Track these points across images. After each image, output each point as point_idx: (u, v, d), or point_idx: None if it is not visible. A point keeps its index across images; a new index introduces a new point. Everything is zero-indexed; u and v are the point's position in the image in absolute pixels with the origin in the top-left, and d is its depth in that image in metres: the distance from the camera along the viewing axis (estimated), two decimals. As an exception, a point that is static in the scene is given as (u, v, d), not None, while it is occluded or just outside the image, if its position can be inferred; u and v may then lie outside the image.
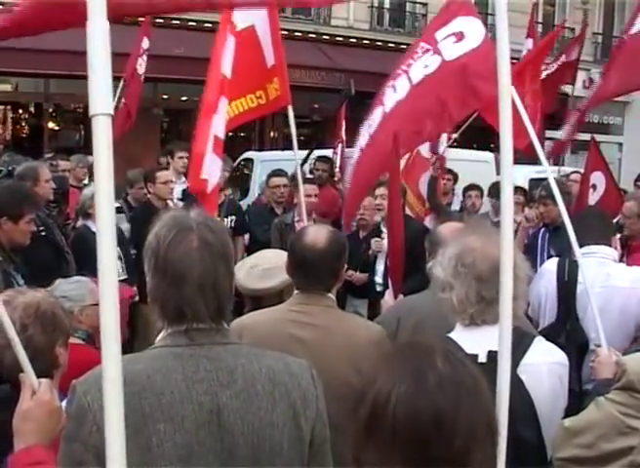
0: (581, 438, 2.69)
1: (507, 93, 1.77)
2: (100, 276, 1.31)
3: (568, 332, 3.98)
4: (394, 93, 4.47)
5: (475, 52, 4.16)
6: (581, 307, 3.98)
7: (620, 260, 5.63)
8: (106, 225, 1.30)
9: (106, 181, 1.28)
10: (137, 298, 5.99)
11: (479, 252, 2.43)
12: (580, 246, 3.71)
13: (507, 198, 1.82)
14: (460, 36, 4.26)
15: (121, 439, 1.29)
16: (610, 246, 4.17)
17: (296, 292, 3.02)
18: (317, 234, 2.97)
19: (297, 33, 17.51)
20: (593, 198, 6.75)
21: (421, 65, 4.34)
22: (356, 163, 4.83)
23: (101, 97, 1.22)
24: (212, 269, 1.85)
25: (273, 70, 5.08)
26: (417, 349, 1.46)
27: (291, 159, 5.99)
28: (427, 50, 4.39)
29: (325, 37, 18.66)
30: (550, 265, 4.29)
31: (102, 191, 1.29)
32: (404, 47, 8.27)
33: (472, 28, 4.28)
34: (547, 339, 2.63)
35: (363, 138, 4.72)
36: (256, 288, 3.32)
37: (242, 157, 12.54)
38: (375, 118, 4.60)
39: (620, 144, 22.38)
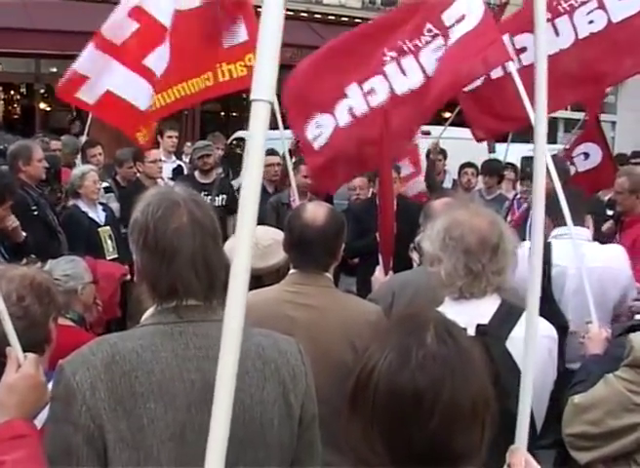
0: (590, 414, 2.71)
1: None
2: (236, 257, 1.23)
3: (547, 315, 3.99)
4: (404, 76, 4.43)
5: (474, 31, 4.16)
6: (557, 289, 4.00)
7: (614, 236, 5.65)
8: (249, 218, 1.20)
9: (256, 169, 1.20)
10: (128, 277, 5.99)
11: (467, 225, 2.44)
12: (554, 226, 3.80)
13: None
14: (462, 17, 4.26)
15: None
16: (583, 226, 4.17)
17: (292, 270, 2.99)
18: (316, 212, 2.94)
19: (288, 12, 17.37)
20: (583, 164, 6.74)
21: (433, 55, 4.32)
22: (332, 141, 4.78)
23: (265, 84, 1.17)
24: (202, 244, 1.85)
25: (245, 46, 5.11)
26: (411, 323, 1.42)
27: (285, 138, 5.99)
28: (436, 35, 4.36)
29: (317, 16, 18.51)
30: (523, 249, 4.30)
31: (251, 180, 1.20)
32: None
33: (473, 5, 4.28)
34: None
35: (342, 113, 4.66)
36: (259, 267, 3.29)
37: (234, 136, 12.31)
38: (378, 89, 4.54)
39: (614, 123, 22.30)
